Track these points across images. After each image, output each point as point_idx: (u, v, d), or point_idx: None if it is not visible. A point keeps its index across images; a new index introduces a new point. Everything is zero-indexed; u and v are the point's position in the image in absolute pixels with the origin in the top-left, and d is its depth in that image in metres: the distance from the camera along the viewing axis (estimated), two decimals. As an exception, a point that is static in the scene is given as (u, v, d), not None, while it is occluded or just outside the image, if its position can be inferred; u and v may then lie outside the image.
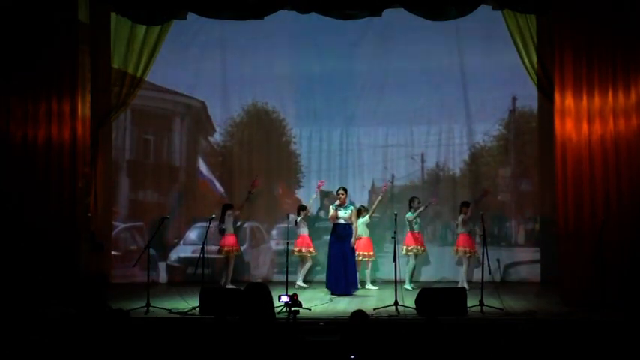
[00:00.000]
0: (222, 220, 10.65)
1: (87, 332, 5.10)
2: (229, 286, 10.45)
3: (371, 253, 10.61)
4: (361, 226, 10.50)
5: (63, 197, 9.21)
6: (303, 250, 10.65)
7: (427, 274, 10.96)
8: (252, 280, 10.85)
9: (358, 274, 10.61)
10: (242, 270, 11.33)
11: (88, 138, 9.99)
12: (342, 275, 10.01)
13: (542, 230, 11.09)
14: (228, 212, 10.83)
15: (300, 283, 10.68)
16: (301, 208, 10.78)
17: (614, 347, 7.04)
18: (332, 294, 9.95)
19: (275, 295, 4.66)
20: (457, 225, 10.66)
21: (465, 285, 9.91)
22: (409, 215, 10.50)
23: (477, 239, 10.34)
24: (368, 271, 10.72)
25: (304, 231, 10.71)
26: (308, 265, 10.83)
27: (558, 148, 9.07)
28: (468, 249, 10.42)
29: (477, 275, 10.21)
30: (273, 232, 11.74)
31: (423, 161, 11.58)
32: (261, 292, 3.91)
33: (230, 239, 10.80)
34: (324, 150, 11.73)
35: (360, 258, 10.54)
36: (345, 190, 10.27)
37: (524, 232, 11.31)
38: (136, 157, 11.86)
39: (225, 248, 10.77)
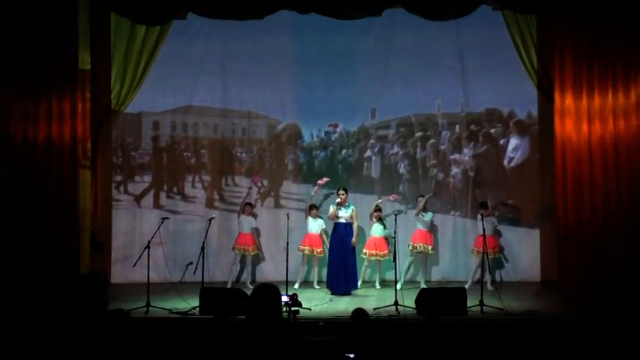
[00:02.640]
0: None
1: (87, 332, 5.10)
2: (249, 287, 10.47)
3: (386, 252, 10.54)
4: (376, 225, 10.50)
5: (63, 197, 9.20)
6: (306, 250, 10.59)
7: (427, 274, 10.92)
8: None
9: (369, 272, 10.64)
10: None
11: (88, 138, 9.99)
12: (341, 275, 10.02)
13: (542, 230, 11.07)
14: (248, 209, 10.84)
15: (315, 285, 10.66)
16: (311, 207, 10.73)
17: (614, 347, 7.05)
18: (332, 294, 9.95)
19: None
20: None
21: (490, 287, 9.84)
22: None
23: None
24: (367, 271, 10.71)
25: (313, 230, 10.65)
26: (316, 265, 10.79)
27: (558, 148, 9.07)
28: (480, 249, 10.37)
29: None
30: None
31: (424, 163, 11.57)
32: (270, 293, 3.90)
33: (244, 238, 10.79)
34: (323, 149, 11.71)
35: (374, 258, 10.51)
36: (345, 190, 10.25)
37: (524, 231, 11.28)
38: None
39: (239, 247, 10.77)
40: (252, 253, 10.91)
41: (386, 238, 10.57)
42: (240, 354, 3.76)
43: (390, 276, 10.69)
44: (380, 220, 10.51)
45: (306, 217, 10.68)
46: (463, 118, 11.47)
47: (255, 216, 11.12)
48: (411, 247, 10.50)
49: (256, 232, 11.13)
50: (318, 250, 10.62)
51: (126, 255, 11.09)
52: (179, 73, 11.46)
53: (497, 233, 10.63)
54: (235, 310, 7.21)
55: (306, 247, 10.56)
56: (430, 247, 10.58)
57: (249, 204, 10.99)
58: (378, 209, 10.56)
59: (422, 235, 10.49)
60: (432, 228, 10.74)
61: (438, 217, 11.33)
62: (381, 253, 10.50)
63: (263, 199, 11.70)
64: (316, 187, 10.74)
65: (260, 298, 3.87)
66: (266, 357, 3.73)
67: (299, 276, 10.69)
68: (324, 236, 10.71)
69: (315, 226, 10.64)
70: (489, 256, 10.28)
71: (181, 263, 9.77)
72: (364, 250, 10.52)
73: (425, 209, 10.58)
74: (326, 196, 11.02)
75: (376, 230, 10.53)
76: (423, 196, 10.72)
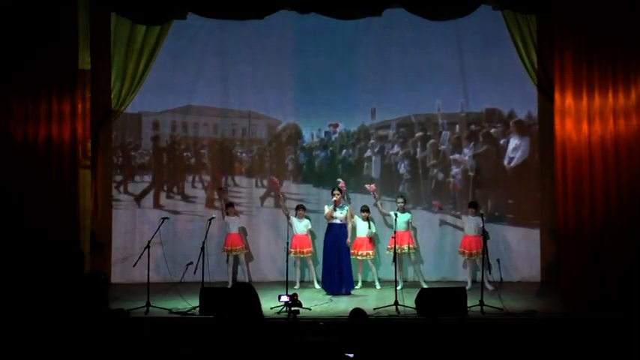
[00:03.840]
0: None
1: (87, 332, 5.10)
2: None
3: (370, 252, 10.52)
4: (362, 225, 10.48)
5: (63, 197, 9.20)
6: (294, 251, 10.52)
7: (427, 274, 10.93)
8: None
9: (361, 275, 10.63)
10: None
11: (88, 138, 9.99)
12: (337, 275, 10.02)
13: (542, 230, 11.07)
14: (231, 210, 10.84)
15: (315, 285, 10.62)
16: (297, 208, 10.74)
17: (613, 347, 7.05)
18: (327, 294, 9.94)
19: (274, 295, 4.65)
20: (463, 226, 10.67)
21: (489, 286, 9.74)
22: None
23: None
24: (373, 271, 10.70)
25: (299, 231, 10.63)
26: (310, 265, 10.78)
27: (558, 148, 9.08)
28: (471, 251, 10.35)
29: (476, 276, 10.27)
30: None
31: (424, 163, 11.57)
32: (247, 292, 3.89)
33: (233, 238, 10.79)
34: (323, 149, 11.71)
35: (354, 257, 10.48)
36: (340, 190, 10.25)
37: (524, 231, 11.28)
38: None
39: (227, 248, 10.77)
40: (242, 253, 10.92)
41: (371, 238, 10.56)
42: (226, 354, 3.75)
43: (380, 275, 10.69)
44: (367, 220, 10.49)
45: (289, 219, 10.56)
46: (463, 118, 11.47)
47: (237, 214, 11.06)
48: (388, 249, 10.48)
49: (243, 231, 11.13)
50: (305, 251, 10.59)
51: (126, 255, 11.09)
52: (179, 73, 11.46)
53: (483, 234, 10.48)
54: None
55: (292, 250, 10.44)
56: (406, 247, 10.43)
57: (231, 204, 10.98)
58: (365, 209, 10.55)
59: (399, 236, 10.17)
60: (410, 228, 10.62)
61: (438, 217, 11.36)
62: (363, 252, 10.46)
63: (263, 199, 11.71)
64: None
65: (236, 297, 3.85)
66: (253, 357, 3.72)
67: (297, 277, 10.68)
68: (310, 236, 10.76)
69: (301, 226, 10.62)
70: (474, 257, 10.31)
71: (181, 263, 9.76)
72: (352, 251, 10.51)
73: (404, 210, 10.53)
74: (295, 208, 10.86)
75: (362, 230, 10.51)
76: (402, 196, 10.71)
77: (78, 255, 9.04)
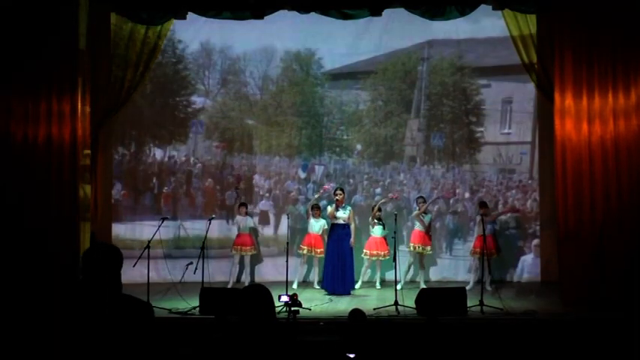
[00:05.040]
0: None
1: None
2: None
3: (385, 252, 10.48)
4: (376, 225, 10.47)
5: (63, 197, 9.20)
6: (305, 250, 10.55)
7: (427, 274, 10.92)
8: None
9: (367, 274, 10.64)
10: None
11: (88, 138, 9.99)
12: (339, 275, 10.01)
13: (542, 230, 11.08)
14: (243, 210, 10.81)
15: (315, 285, 10.58)
16: (313, 208, 10.67)
17: (613, 347, 7.05)
18: (328, 294, 9.94)
19: (274, 295, 4.61)
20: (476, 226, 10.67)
21: (488, 287, 9.69)
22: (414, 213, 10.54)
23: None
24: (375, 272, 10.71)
25: (315, 231, 10.59)
26: (316, 266, 10.71)
27: (558, 148, 9.08)
28: (478, 250, 10.33)
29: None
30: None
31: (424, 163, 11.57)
32: (261, 293, 3.89)
33: (242, 239, 10.78)
34: (325, 151, 11.71)
35: (374, 258, 10.48)
36: (342, 190, 10.24)
37: (524, 231, 11.29)
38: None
39: (236, 247, 10.74)
40: (250, 253, 10.87)
41: (385, 238, 10.55)
42: (236, 355, 3.75)
43: (389, 276, 10.68)
44: (380, 220, 10.47)
45: (309, 218, 10.65)
46: (463, 117, 11.48)
47: (251, 215, 11.07)
48: (411, 248, 10.49)
49: (254, 232, 11.12)
50: (318, 251, 10.53)
51: (126, 255, 11.03)
52: (179, 72, 11.47)
53: (495, 234, 10.56)
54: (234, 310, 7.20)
55: (305, 247, 10.51)
56: (429, 248, 10.51)
57: (244, 204, 10.95)
58: (379, 209, 10.54)
59: (420, 235, 10.39)
60: (430, 229, 10.67)
61: (438, 217, 11.37)
62: (382, 253, 10.46)
63: (262, 199, 11.72)
64: (320, 191, 10.74)
65: (249, 299, 3.85)
66: (261, 357, 3.73)
67: (297, 276, 10.63)
68: (325, 237, 10.70)
69: (317, 226, 10.59)
70: (488, 257, 10.27)
71: (181, 263, 9.76)
72: (364, 251, 10.50)
73: (426, 211, 10.56)
74: (329, 202, 10.91)
75: (376, 230, 10.51)
76: (422, 197, 10.71)
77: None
